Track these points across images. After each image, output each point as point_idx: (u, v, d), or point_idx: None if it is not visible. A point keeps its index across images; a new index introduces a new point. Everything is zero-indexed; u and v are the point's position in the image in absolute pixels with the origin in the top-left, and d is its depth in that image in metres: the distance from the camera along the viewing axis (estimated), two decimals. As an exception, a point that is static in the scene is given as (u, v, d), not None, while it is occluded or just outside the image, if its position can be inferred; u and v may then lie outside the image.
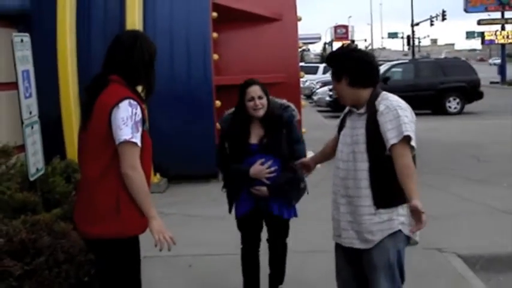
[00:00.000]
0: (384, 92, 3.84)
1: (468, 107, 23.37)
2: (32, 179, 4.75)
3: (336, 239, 4.00)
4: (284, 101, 4.89)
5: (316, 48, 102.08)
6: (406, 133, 3.56)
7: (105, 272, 3.53)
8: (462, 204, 8.48)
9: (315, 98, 28.07)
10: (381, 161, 3.67)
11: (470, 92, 23.22)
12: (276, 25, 10.61)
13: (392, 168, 3.60)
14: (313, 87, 31.22)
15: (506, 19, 45.28)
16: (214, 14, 9.84)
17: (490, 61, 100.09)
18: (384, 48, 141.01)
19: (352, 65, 3.81)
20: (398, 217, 3.72)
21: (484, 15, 46.61)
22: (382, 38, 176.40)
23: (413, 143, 3.59)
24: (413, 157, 3.68)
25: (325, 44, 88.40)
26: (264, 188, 4.64)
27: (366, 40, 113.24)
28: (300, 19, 10.84)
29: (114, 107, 3.29)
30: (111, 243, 3.37)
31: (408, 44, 71.44)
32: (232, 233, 5.50)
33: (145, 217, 3.37)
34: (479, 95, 23.60)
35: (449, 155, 12.46)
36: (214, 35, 9.78)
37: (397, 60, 32.40)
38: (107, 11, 9.80)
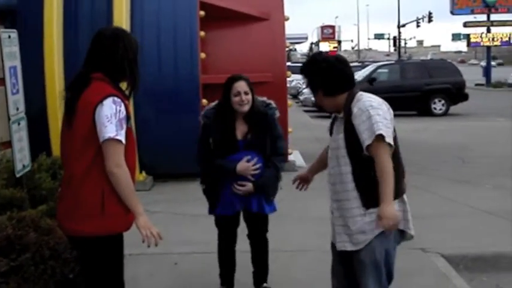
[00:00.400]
0: (360, 93, 3.84)
1: (453, 109, 23.50)
2: (18, 175, 4.74)
3: (332, 240, 4.05)
4: (264, 99, 4.89)
5: (302, 48, 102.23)
6: (377, 132, 3.58)
7: (89, 269, 3.52)
8: (446, 204, 8.54)
9: (301, 97, 28.14)
10: (362, 162, 3.70)
11: (456, 93, 23.36)
12: (263, 24, 10.65)
13: (374, 167, 3.64)
14: (300, 87, 31.27)
15: (492, 21, 45.56)
16: (202, 13, 9.84)
17: (471, 62, 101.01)
18: (370, 49, 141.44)
19: (323, 77, 3.83)
20: None
21: (470, 18, 46.87)
22: (369, 38, 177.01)
23: (388, 139, 3.60)
24: (395, 154, 3.71)
25: (311, 44, 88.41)
26: (250, 185, 4.66)
27: (352, 41, 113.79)
28: (287, 19, 10.88)
29: (98, 104, 3.29)
30: (95, 241, 3.36)
31: (394, 45, 71.74)
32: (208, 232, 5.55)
33: (130, 214, 3.38)
34: (465, 97, 23.74)
35: (434, 156, 12.53)
36: (202, 33, 9.79)
37: (385, 61, 32.55)
38: (94, 7, 9.78)
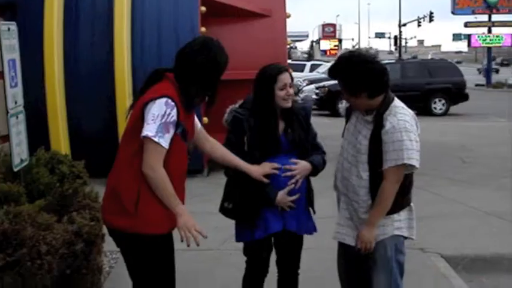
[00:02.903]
0: (394, 104, 3.74)
1: (453, 109, 23.50)
2: (16, 169, 4.69)
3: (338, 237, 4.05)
4: (297, 97, 4.36)
5: (303, 46, 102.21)
6: (403, 161, 3.60)
7: (130, 265, 3.51)
8: (446, 205, 8.51)
9: (302, 95, 28.06)
10: (380, 173, 3.70)
11: (456, 93, 23.36)
12: (265, 21, 10.62)
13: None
14: (300, 85, 31.23)
15: (493, 22, 45.53)
16: (203, 9, 9.79)
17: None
18: (371, 47, 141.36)
19: (370, 79, 3.67)
20: (393, 223, 3.80)
21: (471, 18, 46.85)
22: (369, 37, 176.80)
23: (415, 162, 3.63)
24: (411, 173, 3.78)
25: (312, 42, 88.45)
26: (304, 163, 4.01)
27: (353, 39, 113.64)
28: (289, 16, 10.85)
29: (151, 101, 3.26)
30: (130, 237, 3.35)
31: (395, 44, 71.67)
32: (216, 229, 5.48)
33: (170, 217, 3.33)
34: (465, 97, 23.73)
35: (434, 156, 12.49)
36: (203, 29, 9.73)
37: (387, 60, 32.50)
38: (95, 2, 9.73)
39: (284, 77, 3.94)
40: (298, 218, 4.03)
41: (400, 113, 3.68)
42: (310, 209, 4.17)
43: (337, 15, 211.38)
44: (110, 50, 9.31)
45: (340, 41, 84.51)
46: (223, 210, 4.09)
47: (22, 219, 3.96)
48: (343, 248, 4.02)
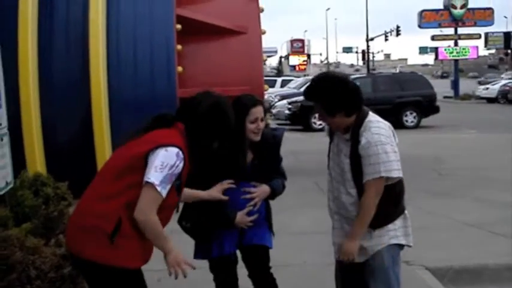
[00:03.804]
0: (368, 118, 3.78)
1: (424, 121, 23.74)
2: (1, 192, 4.63)
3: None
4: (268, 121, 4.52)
5: (272, 62, 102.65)
6: (382, 174, 3.65)
7: None
8: (426, 217, 8.55)
9: (274, 111, 28.14)
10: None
11: (427, 106, 23.63)
12: (241, 38, 10.62)
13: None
14: (272, 101, 31.31)
15: (459, 35, 46.30)
16: (179, 26, 9.78)
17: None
18: (339, 62, 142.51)
19: (346, 99, 3.73)
20: (389, 232, 3.85)
21: (438, 31, 47.59)
22: (337, 52, 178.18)
23: (394, 174, 3.68)
24: (400, 182, 3.82)
25: (281, 57, 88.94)
26: (265, 186, 4.13)
27: (321, 54, 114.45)
28: (264, 32, 10.88)
29: (162, 147, 3.21)
30: (101, 269, 3.23)
31: (363, 58, 72.38)
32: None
33: (145, 251, 3.32)
34: (436, 109, 24.01)
35: (410, 169, 12.47)
36: (179, 47, 9.72)
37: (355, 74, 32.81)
38: (69, 14, 9.64)
39: (256, 111, 3.97)
40: (257, 232, 4.14)
41: (374, 127, 3.74)
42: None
43: (305, 31, 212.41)
44: (84, 65, 9.22)
45: (308, 56, 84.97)
46: (182, 227, 4.16)
47: (11, 243, 3.89)
48: (339, 264, 4.04)
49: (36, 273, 3.78)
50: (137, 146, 3.29)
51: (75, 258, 3.35)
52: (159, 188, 3.15)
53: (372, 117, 3.81)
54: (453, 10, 44.54)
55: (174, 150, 3.21)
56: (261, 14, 10.97)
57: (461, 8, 44.56)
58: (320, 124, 19.03)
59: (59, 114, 9.29)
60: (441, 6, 45.51)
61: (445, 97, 43.67)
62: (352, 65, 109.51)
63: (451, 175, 12.00)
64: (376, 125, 3.75)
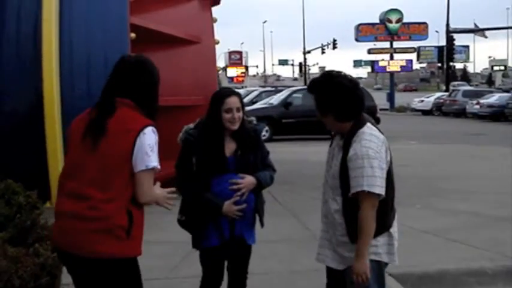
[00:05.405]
0: (363, 130, 3.72)
1: (366, 133, 24.08)
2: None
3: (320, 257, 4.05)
4: (252, 118, 4.55)
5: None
6: (364, 188, 3.57)
7: None
8: (381, 225, 8.69)
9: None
10: (351, 198, 3.68)
11: (368, 117, 23.99)
12: (194, 48, 10.63)
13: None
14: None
15: (395, 48, 47.43)
16: (133, 35, 9.69)
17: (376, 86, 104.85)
18: (275, 74, 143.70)
19: (338, 102, 3.70)
20: (370, 248, 3.71)
21: (373, 45, 48.63)
22: (273, 64, 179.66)
23: (377, 190, 3.59)
24: (388, 185, 3.74)
25: (218, 69, 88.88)
26: (251, 178, 4.25)
27: (257, 66, 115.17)
28: (217, 42, 10.90)
29: (140, 133, 3.24)
30: (116, 263, 3.28)
31: (300, 70, 73.28)
32: (162, 257, 5.38)
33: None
34: (377, 121, 24.36)
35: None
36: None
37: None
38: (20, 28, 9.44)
39: (230, 101, 4.19)
40: (245, 227, 4.33)
41: (366, 140, 3.66)
42: (259, 221, 4.44)
43: (242, 43, 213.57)
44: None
45: (246, 68, 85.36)
46: (179, 222, 4.36)
47: (-5, 252, 3.78)
48: (328, 269, 4.02)
49: (19, 282, 3.69)
50: (116, 140, 3.25)
51: (83, 260, 3.28)
52: (158, 166, 3.28)
53: (368, 128, 3.75)
54: (389, 24, 45.63)
55: (149, 129, 3.29)
56: (214, 24, 11.00)
57: (397, 22, 45.71)
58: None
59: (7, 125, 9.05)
60: (377, 21, 46.54)
61: (381, 109, 44.50)
62: (296, 79, 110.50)
63: (401, 184, 12.16)
64: (368, 138, 3.69)
